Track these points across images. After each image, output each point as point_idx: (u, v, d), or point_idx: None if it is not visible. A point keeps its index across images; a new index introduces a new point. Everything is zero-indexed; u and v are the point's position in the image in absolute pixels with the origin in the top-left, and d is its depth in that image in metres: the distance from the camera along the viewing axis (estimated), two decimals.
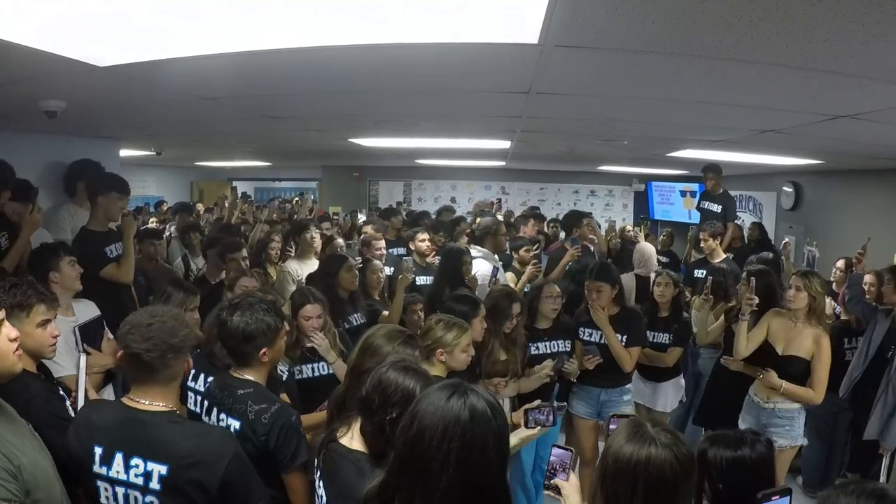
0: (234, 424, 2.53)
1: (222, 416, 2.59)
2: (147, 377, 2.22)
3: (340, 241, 6.30)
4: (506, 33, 2.33)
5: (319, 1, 2.04)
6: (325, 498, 2.20)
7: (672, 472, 1.75)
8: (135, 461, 2.14)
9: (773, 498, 2.05)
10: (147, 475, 2.13)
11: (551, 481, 2.44)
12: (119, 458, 2.15)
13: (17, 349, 2.04)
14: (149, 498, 2.13)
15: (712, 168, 7.44)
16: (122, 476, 2.15)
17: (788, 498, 2.11)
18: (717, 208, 7.47)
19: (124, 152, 7.25)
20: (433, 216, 8.78)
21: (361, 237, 6.42)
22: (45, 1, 2.01)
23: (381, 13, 2.13)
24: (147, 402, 2.22)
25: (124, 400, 2.27)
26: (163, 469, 2.12)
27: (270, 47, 2.50)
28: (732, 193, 8.07)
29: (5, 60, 2.65)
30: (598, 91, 3.47)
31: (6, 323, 2.02)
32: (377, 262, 5.34)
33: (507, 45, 2.44)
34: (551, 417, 3.15)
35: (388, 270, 5.62)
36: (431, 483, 1.63)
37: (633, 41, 2.31)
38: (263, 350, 2.62)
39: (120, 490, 2.16)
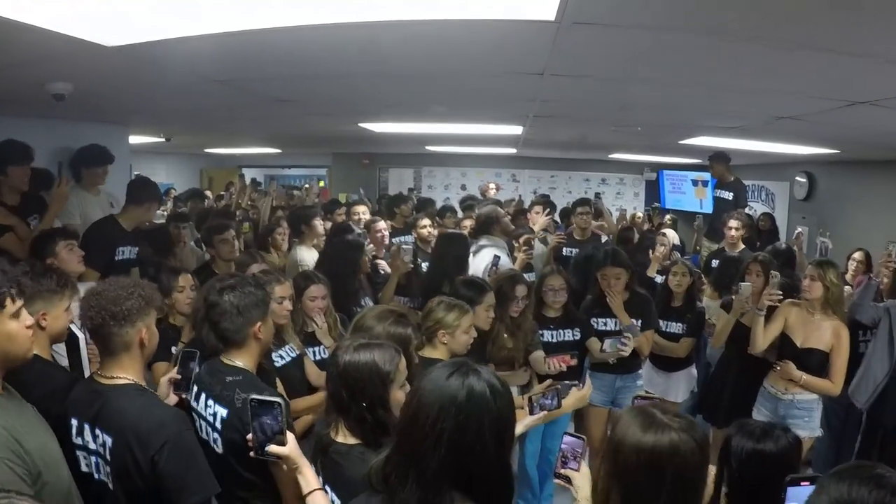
0: (222, 412, 2.48)
1: (210, 402, 2.54)
2: (101, 348, 2.29)
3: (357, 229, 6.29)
4: (522, 9, 2.26)
5: None
6: (337, 501, 2.13)
7: (694, 457, 1.69)
8: (97, 432, 2.21)
9: (802, 484, 1.98)
10: (104, 445, 2.19)
11: (562, 471, 2.39)
12: (87, 428, 2.23)
13: (31, 335, 2.05)
14: (107, 468, 2.19)
15: (717, 157, 7.37)
16: (92, 445, 2.23)
17: None
18: (729, 196, 7.42)
19: (134, 139, 7.22)
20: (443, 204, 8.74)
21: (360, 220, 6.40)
22: None
23: None
24: (107, 376, 2.27)
25: (94, 374, 2.34)
26: (109, 441, 2.17)
27: (275, 25, 2.45)
28: (745, 182, 8.00)
29: (10, 41, 2.61)
30: (614, 73, 3.40)
31: (24, 311, 2.05)
32: (404, 244, 5.27)
33: (523, 22, 2.37)
34: (555, 401, 3.10)
35: None
36: (423, 464, 1.60)
37: (652, 17, 2.25)
38: (258, 324, 2.58)
39: (93, 458, 2.24)
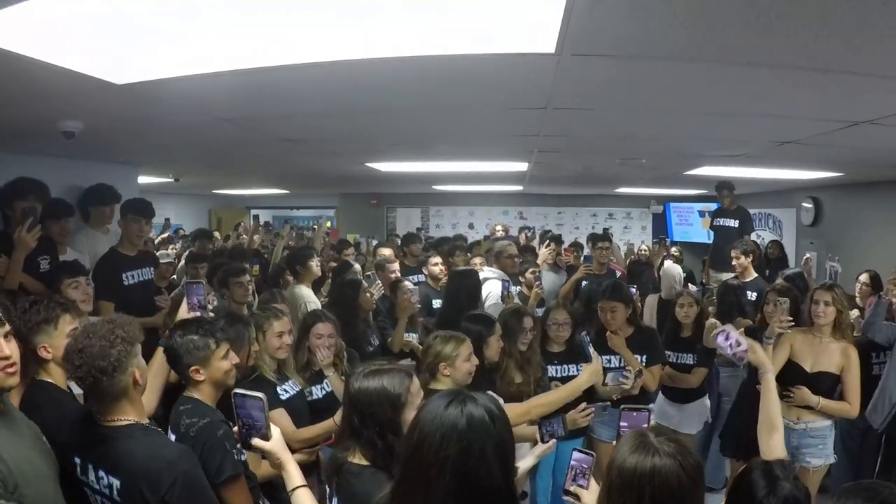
0: (172, 437, 2.57)
1: (170, 431, 2.64)
2: (96, 398, 2.24)
3: (357, 266, 6.36)
4: (522, 43, 2.31)
5: (327, 17, 2.06)
6: None
7: (678, 483, 1.71)
8: (100, 473, 2.20)
9: None
10: (110, 487, 2.17)
11: (571, 488, 2.41)
12: (91, 469, 2.22)
13: (6, 367, 2.05)
14: None
15: (726, 185, 7.43)
16: (96, 486, 2.22)
17: None
18: (734, 223, 7.41)
19: (143, 179, 7.30)
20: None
21: (375, 261, 6.46)
22: (62, 19, 2.02)
23: (396, 25, 2.13)
24: (109, 418, 2.23)
25: (95, 414, 2.28)
26: (117, 483, 2.16)
27: (282, 62, 2.51)
28: (752, 211, 7.99)
29: (21, 76, 2.66)
30: (616, 105, 3.44)
31: (10, 339, 2.09)
32: (407, 283, 5.33)
33: (524, 56, 2.42)
34: (561, 428, 3.09)
35: None
36: (431, 491, 1.62)
37: (651, 46, 2.29)
38: (195, 368, 2.64)
39: (98, 498, 2.23)
